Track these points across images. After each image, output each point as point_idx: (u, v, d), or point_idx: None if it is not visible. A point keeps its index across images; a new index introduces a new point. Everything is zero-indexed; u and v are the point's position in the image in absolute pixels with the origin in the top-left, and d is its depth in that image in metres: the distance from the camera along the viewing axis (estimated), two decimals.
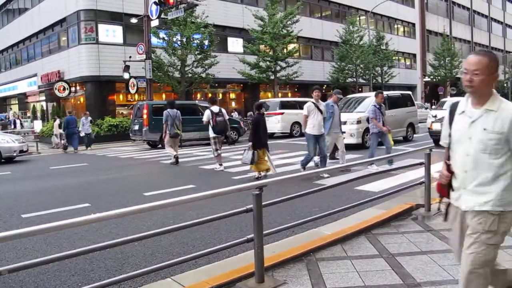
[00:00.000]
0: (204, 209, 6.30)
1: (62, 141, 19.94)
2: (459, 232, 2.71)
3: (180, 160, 12.66)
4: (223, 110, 11.33)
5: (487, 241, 2.51)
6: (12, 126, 28.27)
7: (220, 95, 32.44)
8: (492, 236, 2.51)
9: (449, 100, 21.19)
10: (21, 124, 28.75)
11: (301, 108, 21.44)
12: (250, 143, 9.27)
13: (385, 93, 17.20)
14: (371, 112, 10.23)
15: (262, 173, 9.35)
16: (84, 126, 19.73)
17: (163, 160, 13.58)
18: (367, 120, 10.94)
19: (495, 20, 65.50)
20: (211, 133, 11.10)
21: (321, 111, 9.54)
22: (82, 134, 19.70)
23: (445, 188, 2.73)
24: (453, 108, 2.69)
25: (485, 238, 2.50)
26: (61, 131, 20.54)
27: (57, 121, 21.46)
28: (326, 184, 5.74)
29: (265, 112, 12.04)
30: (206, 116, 11.06)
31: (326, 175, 8.90)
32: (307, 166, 9.69)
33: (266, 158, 9.43)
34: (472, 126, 2.52)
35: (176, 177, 10.42)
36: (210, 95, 30.76)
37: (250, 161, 9.17)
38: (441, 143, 2.80)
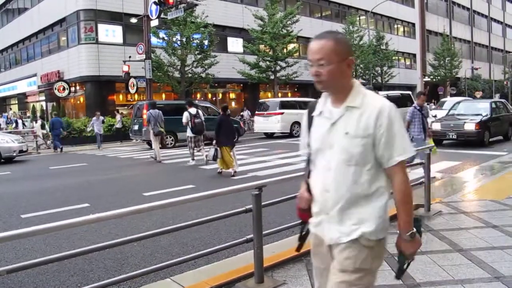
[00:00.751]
0: (203, 209, 6.30)
1: (48, 142, 20.25)
2: (320, 267, 2.12)
3: (179, 160, 12.76)
4: (200, 112, 12.40)
5: (357, 282, 1.92)
6: (14, 125, 28.24)
7: (220, 95, 32.45)
8: (364, 275, 1.94)
9: (449, 100, 21.25)
10: (23, 124, 28.71)
11: (301, 108, 21.79)
12: (214, 141, 10.14)
13: (385, 93, 17.24)
14: (409, 114, 9.01)
15: (224, 169, 10.23)
16: (95, 126, 19.69)
17: (163, 160, 13.57)
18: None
19: (495, 20, 65.51)
20: (189, 133, 12.09)
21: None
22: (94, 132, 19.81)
23: (306, 213, 2.12)
24: (311, 108, 2.10)
25: (355, 279, 1.92)
26: (44, 131, 20.89)
27: (39, 122, 21.71)
28: None
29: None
30: (185, 117, 12.01)
31: None
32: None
33: (230, 154, 10.12)
34: (333, 130, 1.93)
35: (175, 177, 10.42)
36: (209, 95, 30.80)
37: (213, 157, 10.08)
38: (300, 153, 2.19)
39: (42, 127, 21.49)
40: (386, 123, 1.89)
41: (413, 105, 9.27)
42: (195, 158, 12.31)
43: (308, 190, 2.10)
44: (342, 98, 1.95)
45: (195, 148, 12.18)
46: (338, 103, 1.96)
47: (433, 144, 8.39)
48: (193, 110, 12.01)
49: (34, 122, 25.14)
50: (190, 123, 11.89)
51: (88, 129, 20.31)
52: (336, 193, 1.92)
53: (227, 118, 10.59)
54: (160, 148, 14.41)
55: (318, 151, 2.01)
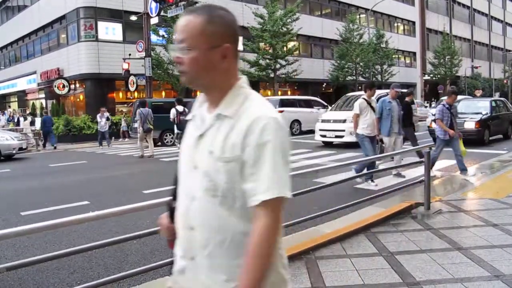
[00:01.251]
0: None
1: (40, 141, 20.28)
2: None
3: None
4: (187, 110, 13.32)
5: None
6: (16, 122, 28.19)
7: None
8: None
9: None
10: (25, 121, 28.62)
11: (301, 106, 21.78)
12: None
13: (385, 91, 17.21)
14: (438, 112, 8.60)
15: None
16: (100, 123, 19.21)
17: (162, 158, 13.57)
18: (434, 121, 9.37)
19: (495, 19, 65.44)
20: (176, 130, 13.02)
21: (373, 109, 8.37)
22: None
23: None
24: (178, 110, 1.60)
25: None
26: (33, 128, 20.96)
27: (28, 120, 21.73)
28: (326, 182, 5.74)
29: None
30: (172, 114, 12.84)
31: (359, 180, 7.69)
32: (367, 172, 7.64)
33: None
34: (199, 145, 1.41)
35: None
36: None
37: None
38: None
39: (32, 124, 21.45)
40: (256, 142, 1.31)
41: (442, 103, 8.90)
42: None
43: (171, 216, 1.58)
44: (216, 102, 1.41)
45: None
46: (212, 108, 1.42)
47: (462, 145, 8.37)
48: (180, 108, 12.80)
49: (22, 119, 25.14)
50: (176, 120, 12.62)
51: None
52: (203, 233, 1.38)
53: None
54: (161, 145, 14.63)
55: (182, 170, 1.49)
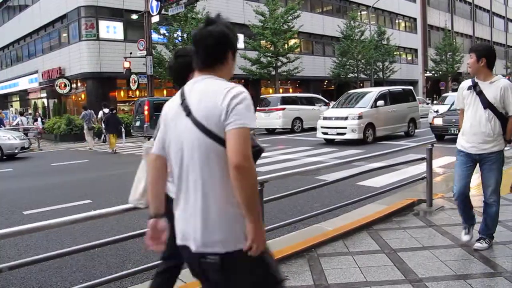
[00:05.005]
0: None
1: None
2: None
3: None
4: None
5: None
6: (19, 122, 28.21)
7: None
8: None
9: (450, 95, 21.17)
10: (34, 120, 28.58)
11: (303, 104, 21.77)
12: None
13: (387, 88, 17.19)
14: None
15: (112, 149, 15.91)
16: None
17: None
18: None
19: (497, 15, 65.25)
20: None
21: None
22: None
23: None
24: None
25: None
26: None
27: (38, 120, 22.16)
28: (328, 179, 5.73)
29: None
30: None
31: None
32: None
33: (114, 140, 16.14)
34: None
35: None
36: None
37: (102, 140, 17.41)
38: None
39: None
40: None
41: None
42: None
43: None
44: None
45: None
46: None
47: None
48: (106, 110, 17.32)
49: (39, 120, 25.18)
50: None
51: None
52: None
53: (114, 115, 16.85)
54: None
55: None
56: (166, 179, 1.99)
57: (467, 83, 4.03)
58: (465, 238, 4.14)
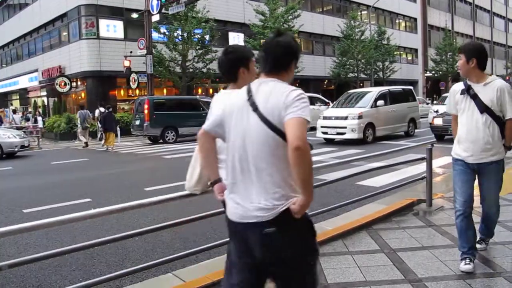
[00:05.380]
0: (205, 204, 6.29)
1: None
2: None
3: (181, 155, 12.78)
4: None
5: None
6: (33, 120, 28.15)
7: (222, 90, 32.35)
8: None
9: None
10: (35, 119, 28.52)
11: None
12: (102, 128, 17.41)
13: (387, 88, 17.19)
14: None
15: (110, 147, 16.60)
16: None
17: (164, 155, 13.58)
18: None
19: (497, 15, 65.23)
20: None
21: None
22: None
23: None
24: None
25: None
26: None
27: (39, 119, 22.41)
28: (327, 179, 5.73)
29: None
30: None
31: None
32: None
33: (111, 139, 16.77)
34: None
35: (177, 172, 10.40)
36: (211, 90, 30.78)
37: (99, 138, 17.71)
38: None
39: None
40: None
41: None
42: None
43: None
44: None
45: None
46: None
47: None
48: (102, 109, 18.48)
49: (40, 118, 25.13)
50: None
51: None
52: None
53: (110, 114, 17.45)
54: (163, 142, 14.52)
55: None
56: (216, 152, 2.33)
57: (459, 86, 3.72)
58: (465, 268, 3.57)
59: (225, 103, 2.25)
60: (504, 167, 3.73)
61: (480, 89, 3.55)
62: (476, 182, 3.77)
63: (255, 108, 2.07)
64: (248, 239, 2.10)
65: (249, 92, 2.15)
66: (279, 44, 2.15)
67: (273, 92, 2.09)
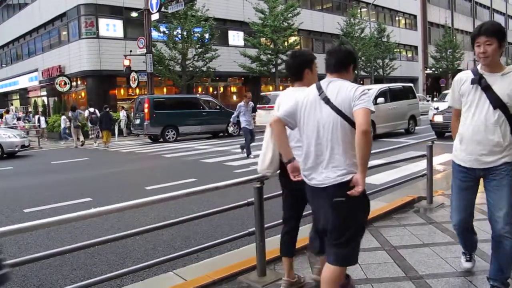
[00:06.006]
0: (205, 202, 6.30)
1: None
2: None
3: (181, 153, 12.77)
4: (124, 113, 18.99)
5: None
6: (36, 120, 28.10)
7: (221, 89, 32.38)
8: None
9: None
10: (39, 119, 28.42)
11: None
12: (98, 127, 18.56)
13: (387, 85, 17.17)
14: None
15: (107, 144, 17.33)
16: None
17: (164, 154, 13.58)
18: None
19: (498, 12, 65.06)
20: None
21: None
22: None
23: None
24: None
25: None
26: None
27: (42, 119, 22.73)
28: None
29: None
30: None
31: None
32: None
33: (108, 138, 17.53)
34: None
35: (177, 171, 10.42)
36: (211, 89, 30.79)
37: (96, 136, 19.08)
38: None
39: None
40: None
41: None
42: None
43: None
44: None
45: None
46: None
47: None
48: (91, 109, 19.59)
49: (39, 118, 25.13)
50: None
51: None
52: None
53: (107, 113, 18.15)
54: (163, 141, 14.44)
55: None
56: (287, 134, 2.81)
57: (466, 74, 3.09)
58: (466, 265, 3.49)
59: (297, 98, 2.74)
60: None
61: (495, 80, 2.89)
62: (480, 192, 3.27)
63: (328, 101, 2.58)
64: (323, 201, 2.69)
65: (319, 88, 2.66)
66: (341, 50, 2.76)
67: (341, 88, 2.59)
